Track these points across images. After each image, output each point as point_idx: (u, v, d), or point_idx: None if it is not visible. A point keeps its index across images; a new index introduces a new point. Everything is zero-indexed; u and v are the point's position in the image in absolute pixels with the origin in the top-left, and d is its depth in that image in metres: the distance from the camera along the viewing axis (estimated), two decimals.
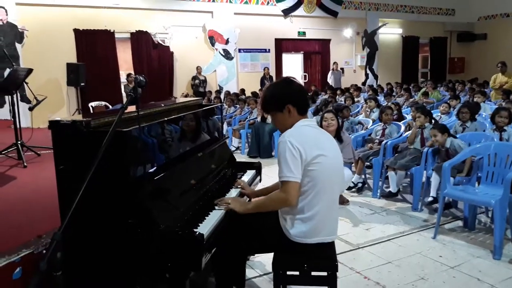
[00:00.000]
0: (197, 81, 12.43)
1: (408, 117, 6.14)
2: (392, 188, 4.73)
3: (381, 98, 9.49)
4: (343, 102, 8.98)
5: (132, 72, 11.35)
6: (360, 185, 5.11)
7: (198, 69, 12.51)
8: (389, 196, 4.75)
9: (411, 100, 9.46)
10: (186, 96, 11.40)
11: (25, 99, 9.13)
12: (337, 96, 10.17)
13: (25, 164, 4.64)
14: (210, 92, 12.09)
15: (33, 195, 3.62)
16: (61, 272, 1.51)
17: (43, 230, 2.58)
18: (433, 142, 4.33)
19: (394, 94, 10.76)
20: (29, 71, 5.01)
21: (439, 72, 17.37)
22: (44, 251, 2.30)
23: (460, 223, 4.00)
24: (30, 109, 5.40)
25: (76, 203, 1.53)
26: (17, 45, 10.09)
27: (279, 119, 2.24)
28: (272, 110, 2.25)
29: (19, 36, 10.11)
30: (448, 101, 7.55)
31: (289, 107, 2.17)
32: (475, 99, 7.62)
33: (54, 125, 2.07)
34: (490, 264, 3.16)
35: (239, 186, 2.73)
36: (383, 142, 5.02)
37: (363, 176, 5.19)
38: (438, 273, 3.05)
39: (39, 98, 5.35)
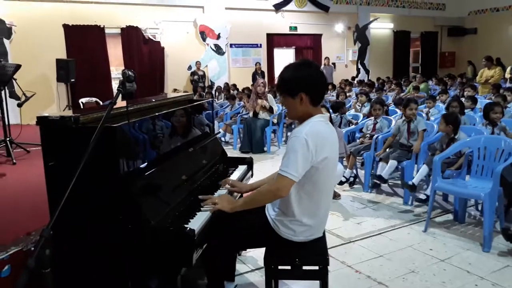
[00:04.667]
0: (196, 76, 12.41)
1: (399, 112, 6.15)
2: (384, 174, 4.62)
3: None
4: (334, 97, 9.01)
5: (123, 68, 11.27)
6: (351, 179, 5.12)
7: (197, 64, 12.50)
8: (379, 181, 4.64)
9: (402, 94, 9.51)
10: (176, 92, 11.36)
11: (13, 95, 9.03)
12: (329, 91, 10.18)
13: (14, 161, 4.61)
14: (202, 87, 12.05)
15: (22, 192, 3.60)
16: (50, 269, 1.49)
17: (33, 227, 2.56)
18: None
19: (385, 88, 10.80)
20: (18, 66, 4.97)
21: (430, 66, 17.49)
22: (33, 248, 2.28)
23: (450, 216, 4.04)
24: (19, 105, 5.36)
25: (66, 199, 1.52)
26: (5, 41, 9.97)
27: (289, 105, 2.11)
28: (284, 93, 2.12)
29: (7, 31, 9.98)
30: (438, 96, 7.61)
31: (301, 96, 2.04)
32: (465, 93, 7.67)
33: (42, 121, 2.04)
34: (479, 257, 3.19)
35: (227, 186, 2.60)
36: (374, 137, 5.03)
37: (354, 171, 5.21)
38: (428, 266, 3.07)
39: (28, 94, 5.31)
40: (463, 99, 6.24)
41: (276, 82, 2.29)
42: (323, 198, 2.15)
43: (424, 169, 4.24)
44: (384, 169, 4.64)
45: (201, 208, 2.26)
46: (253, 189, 2.56)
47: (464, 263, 3.09)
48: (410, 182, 4.25)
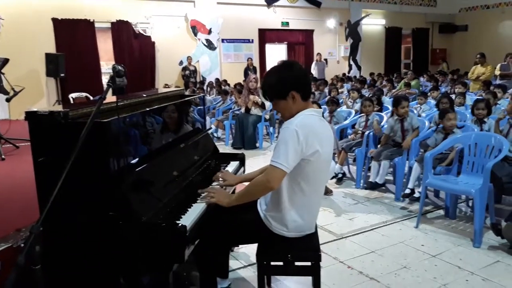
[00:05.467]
0: (187, 71, 12.35)
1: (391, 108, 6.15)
2: (378, 179, 4.70)
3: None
4: (326, 93, 9.00)
5: (113, 63, 11.16)
6: (340, 175, 5.13)
7: (189, 59, 12.44)
8: (375, 187, 4.73)
9: (393, 91, 9.54)
10: (167, 87, 11.30)
11: (2, 90, 8.87)
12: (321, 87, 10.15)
13: (3, 156, 4.55)
14: (194, 82, 12.00)
15: (12, 189, 3.56)
16: (40, 265, 1.47)
17: (22, 223, 2.53)
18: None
19: (376, 85, 10.83)
20: (5, 61, 4.91)
21: (422, 63, 17.58)
22: (23, 245, 2.26)
23: (441, 212, 4.06)
24: (8, 100, 5.29)
25: (55, 195, 1.50)
26: None
27: (283, 107, 2.12)
28: (274, 97, 2.13)
29: None
30: (429, 92, 7.65)
31: (293, 94, 2.06)
32: (456, 90, 7.73)
33: (31, 116, 2.00)
34: (470, 252, 3.21)
35: (220, 180, 2.57)
36: (366, 133, 5.04)
37: (344, 167, 5.22)
38: (420, 261, 3.09)
39: (17, 89, 5.24)
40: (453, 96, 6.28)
41: (261, 90, 2.29)
42: (315, 193, 2.15)
43: (416, 169, 4.26)
44: (378, 174, 4.67)
45: (198, 200, 2.26)
46: (242, 181, 2.56)
47: (455, 258, 3.11)
48: (408, 190, 4.31)
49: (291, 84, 2.08)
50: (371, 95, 7.40)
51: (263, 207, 2.22)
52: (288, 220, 2.12)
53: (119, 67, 1.95)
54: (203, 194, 2.30)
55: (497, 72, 9.41)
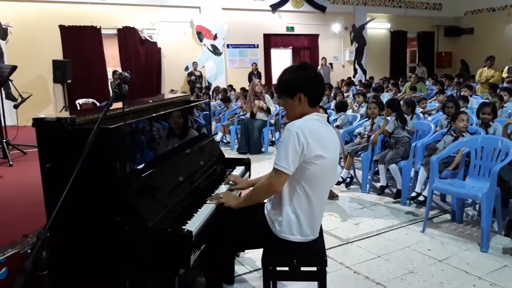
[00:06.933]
0: (193, 77, 12.41)
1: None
2: (383, 182, 4.71)
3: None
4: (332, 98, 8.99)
5: (119, 69, 11.23)
6: (348, 180, 5.12)
7: (194, 64, 12.51)
8: (382, 191, 4.73)
9: (399, 95, 9.51)
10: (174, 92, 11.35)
11: (10, 96, 8.95)
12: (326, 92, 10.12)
13: (10, 162, 4.59)
14: (199, 88, 12.03)
15: (19, 194, 3.58)
16: (46, 271, 1.49)
17: (29, 229, 2.55)
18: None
19: (373, 85, 10.81)
20: (13, 68, 4.96)
21: (427, 66, 17.48)
22: (30, 251, 2.27)
23: (448, 216, 4.04)
24: (15, 106, 5.34)
25: (62, 201, 1.51)
26: (1, 42, 9.92)
27: (288, 106, 2.16)
28: (283, 95, 2.17)
29: (3, 32, 9.93)
30: (435, 96, 7.62)
31: (300, 96, 2.08)
32: (462, 93, 7.69)
33: (38, 123, 2.03)
34: (477, 257, 3.19)
35: (230, 182, 2.66)
36: (371, 137, 5.03)
37: (351, 171, 5.21)
38: (426, 266, 3.07)
39: (24, 95, 5.29)
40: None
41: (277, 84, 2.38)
42: (318, 198, 2.14)
43: (422, 173, 4.24)
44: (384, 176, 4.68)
45: (206, 201, 2.31)
46: (253, 185, 2.56)
47: (462, 263, 3.09)
48: (414, 193, 4.29)
49: (300, 85, 2.09)
50: (371, 97, 7.35)
51: (268, 206, 2.23)
52: (291, 224, 2.12)
53: (125, 73, 1.97)
54: (211, 198, 2.33)
55: (505, 75, 9.36)
